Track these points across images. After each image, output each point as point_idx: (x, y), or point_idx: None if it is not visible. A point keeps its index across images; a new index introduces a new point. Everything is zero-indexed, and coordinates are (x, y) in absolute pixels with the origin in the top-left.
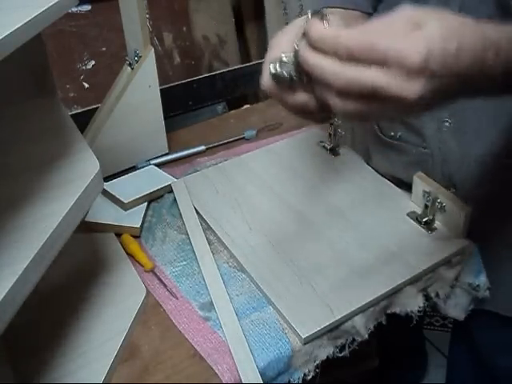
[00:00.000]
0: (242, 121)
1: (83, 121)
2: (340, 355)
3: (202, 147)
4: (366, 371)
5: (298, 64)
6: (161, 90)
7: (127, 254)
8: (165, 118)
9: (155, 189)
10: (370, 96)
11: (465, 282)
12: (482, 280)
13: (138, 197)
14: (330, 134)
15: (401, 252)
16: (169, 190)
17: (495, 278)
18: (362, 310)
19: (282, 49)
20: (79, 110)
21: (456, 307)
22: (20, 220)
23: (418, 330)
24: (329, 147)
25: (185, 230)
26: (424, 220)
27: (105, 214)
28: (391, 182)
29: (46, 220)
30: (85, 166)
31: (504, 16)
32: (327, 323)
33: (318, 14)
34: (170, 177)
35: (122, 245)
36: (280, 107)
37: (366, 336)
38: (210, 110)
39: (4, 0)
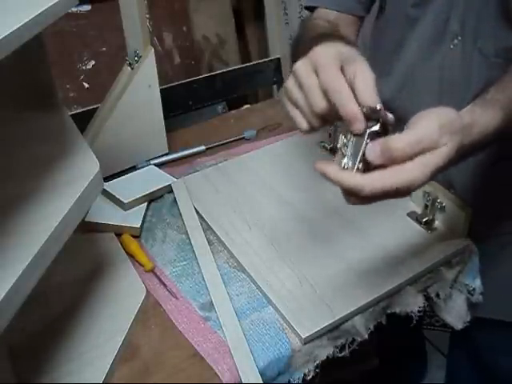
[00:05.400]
0: (242, 121)
1: (83, 121)
2: (340, 355)
3: (202, 147)
4: (366, 371)
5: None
6: (161, 90)
7: (127, 254)
8: (165, 118)
9: (155, 189)
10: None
11: (462, 284)
12: (478, 283)
13: (138, 197)
14: (329, 134)
15: (401, 252)
16: (169, 190)
17: (493, 284)
18: (361, 310)
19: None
20: (79, 110)
21: (452, 311)
22: (20, 220)
23: (418, 330)
24: (329, 147)
25: (185, 229)
26: (424, 220)
27: (105, 214)
28: None
29: (46, 220)
30: (85, 166)
31: (505, 19)
32: (327, 323)
33: (371, 110)
34: (170, 177)
35: (121, 245)
36: (280, 107)
37: (366, 336)
38: (210, 110)
39: (4, 0)
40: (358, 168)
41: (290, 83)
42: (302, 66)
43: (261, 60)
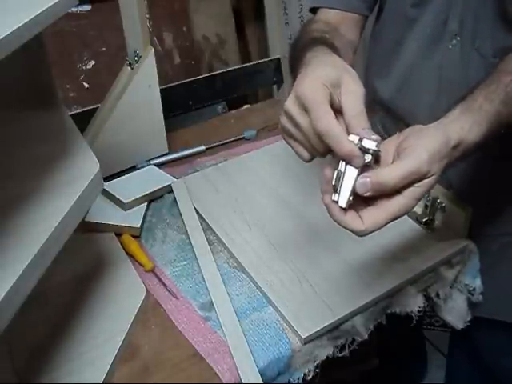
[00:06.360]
0: (242, 121)
1: (83, 121)
2: (340, 355)
3: (202, 147)
4: (366, 371)
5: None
6: (161, 90)
7: (127, 254)
8: (165, 118)
9: (155, 189)
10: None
11: (462, 283)
12: (478, 283)
13: (138, 197)
14: None
15: (401, 252)
16: (169, 190)
17: (493, 284)
18: (361, 310)
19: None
20: (79, 110)
21: (452, 311)
22: (20, 220)
23: (418, 330)
24: None
25: (185, 229)
26: (424, 220)
27: (105, 214)
28: None
29: (46, 220)
30: (85, 166)
31: (502, 20)
32: (327, 323)
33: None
34: (170, 177)
35: (122, 245)
36: (280, 107)
37: (366, 336)
38: (210, 110)
39: (4, 0)
40: (349, 200)
41: (283, 120)
42: (291, 105)
43: (261, 60)
